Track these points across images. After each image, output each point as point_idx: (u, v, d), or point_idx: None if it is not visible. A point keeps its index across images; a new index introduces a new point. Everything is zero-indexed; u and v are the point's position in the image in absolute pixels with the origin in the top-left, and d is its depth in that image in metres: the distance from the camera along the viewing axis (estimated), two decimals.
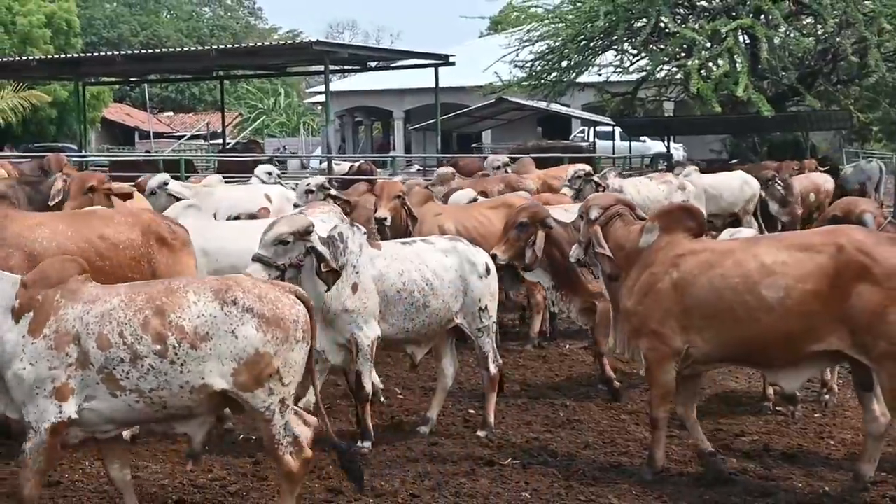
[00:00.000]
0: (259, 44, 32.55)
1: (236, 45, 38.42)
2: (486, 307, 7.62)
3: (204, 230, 8.45)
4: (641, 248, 6.54)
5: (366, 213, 10.93)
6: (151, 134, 53.62)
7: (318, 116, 56.69)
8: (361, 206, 11.55)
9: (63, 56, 33.52)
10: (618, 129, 33.66)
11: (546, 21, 27.15)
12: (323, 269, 6.77)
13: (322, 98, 41.98)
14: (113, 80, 41.10)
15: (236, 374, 5.09)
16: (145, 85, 53.95)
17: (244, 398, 5.14)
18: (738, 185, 16.07)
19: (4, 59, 33.65)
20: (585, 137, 37.09)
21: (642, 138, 35.64)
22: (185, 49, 35.50)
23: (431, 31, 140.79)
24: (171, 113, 65.63)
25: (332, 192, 11.11)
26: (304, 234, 6.79)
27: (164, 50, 34.10)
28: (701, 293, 6.16)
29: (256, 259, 6.73)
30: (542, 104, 31.76)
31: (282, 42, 35.21)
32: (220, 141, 38.82)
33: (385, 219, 10.00)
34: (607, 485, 6.35)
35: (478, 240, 9.04)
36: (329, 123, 28.12)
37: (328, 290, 6.86)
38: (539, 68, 27.23)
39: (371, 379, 7.40)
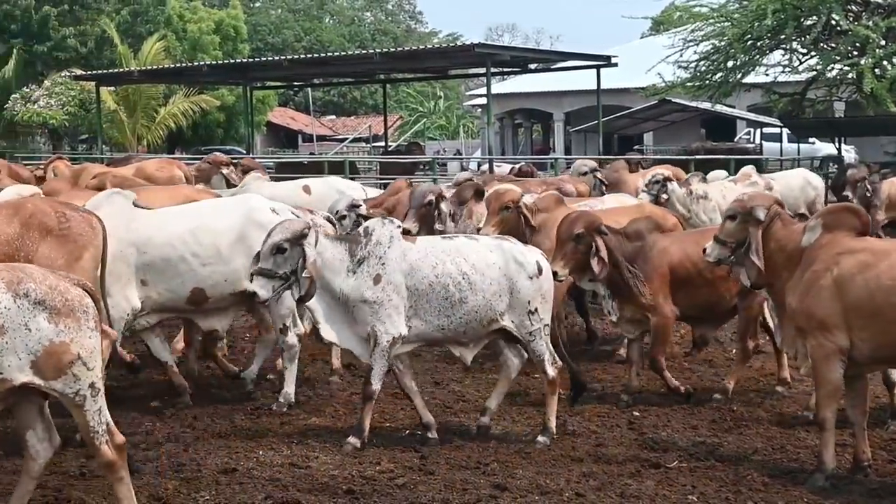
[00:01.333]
0: (421, 47, 32.88)
1: (399, 49, 38.90)
2: (535, 309, 7.29)
3: (129, 220, 7.83)
4: (803, 246, 6.41)
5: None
6: (314, 137, 54.75)
7: (478, 119, 56.96)
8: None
9: (232, 61, 34.55)
10: (785, 131, 32.79)
11: (711, 20, 26.62)
12: (303, 274, 6.82)
13: (481, 101, 42.24)
14: (278, 84, 42.17)
15: (35, 366, 4.94)
16: (309, 89, 55.19)
17: (50, 387, 5.01)
18: (799, 184, 15.37)
19: (177, 65, 34.89)
20: (751, 139, 36.30)
21: (811, 140, 34.64)
22: (349, 53, 36.10)
23: (591, 32, 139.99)
24: (333, 116, 66.92)
25: (363, 211, 10.64)
26: (300, 237, 6.86)
27: (328, 54, 34.80)
28: (857, 293, 6.05)
29: (258, 273, 6.87)
30: (707, 105, 31.20)
31: (443, 45, 35.52)
32: (382, 144, 39.42)
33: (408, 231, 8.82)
34: (777, 491, 6.18)
35: None
36: (490, 125, 28.23)
37: (303, 296, 6.86)
38: (704, 69, 26.72)
39: (381, 381, 7.10)
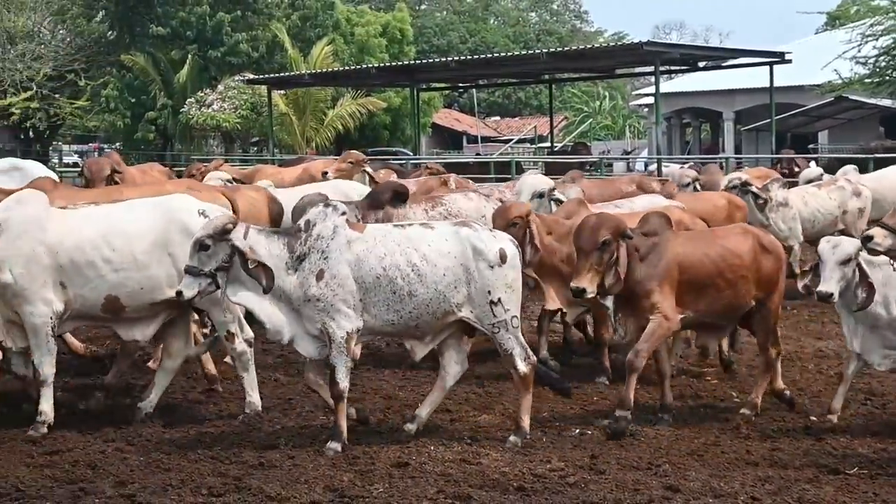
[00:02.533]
0: (587, 46, 32.67)
1: (565, 49, 38.73)
2: (499, 300, 6.88)
3: (43, 220, 7.35)
4: None
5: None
6: (479, 138, 54.99)
7: (644, 119, 56.24)
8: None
9: (399, 63, 34.98)
10: None
11: (891, 14, 25.70)
12: (250, 266, 6.62)
13: (648, 100, 41.68)
14: (444, 85, 42.51)
15: None
16: (474, 90, 55.44)
17: None
18: None
19: (345, 68, 35.53)
20: None
21: None
22: (515, 53, 36.12)
23: (762, 28, 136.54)
24: (497, 118, 67.06)
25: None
26: (223, 233, 6.68)
27: (493, 55, 34.90)
28: None
29: (187, 271, 6.74)
30: (887, 102, 30.09)
31: (610, 44, 35.21)
32: (547, 144, 39.30)
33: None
34: None
35: None
36: (657, 125, 27.84)
37: (266, 287, 6.64)
38: (884, 64, 25.82)
39: (347, 379, 6.81)
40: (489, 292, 6.90)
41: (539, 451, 6.81)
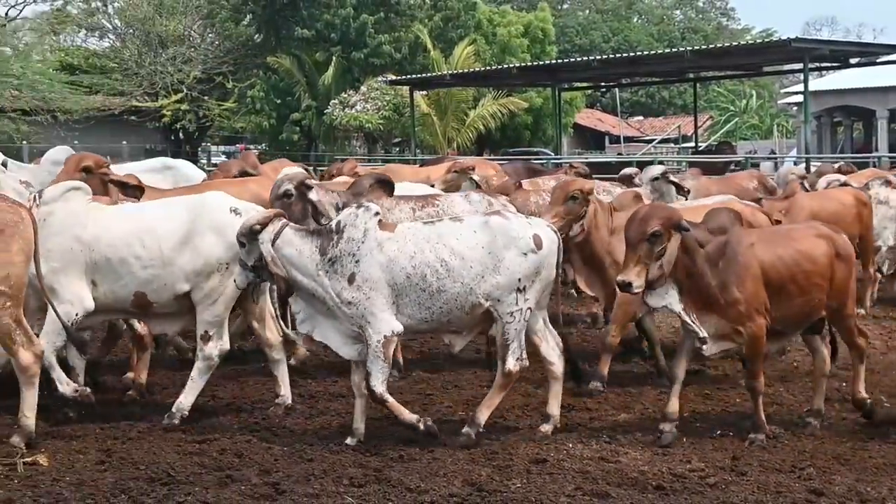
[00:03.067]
0: (733, 44, 32.02)
1: (710, 46, 38.06)
2: (524, 288, 6.85)
3: (81, 216, 7.43)
4: None
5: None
6: (621, 138, 54.50)
7: (793, 118, 54.86)
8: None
9: (541, 63, 34.92)
10: None
11: None
12: (272, 269, 6.76)
13: (797, 98, 40.65)
14: (586, 85, 42.26)
15: None
16: (616, 90, 54.94)
17: None
18: None
19: (486, 68, 35.63)
20: None
21: None
22: (659, 51, 35.65)
23: None
24: (640, 117, 66.34)
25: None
26: (252, 233, 6.80)
27: (637, 53, 34.55)
28: None
29: (240, 264, 7.04)
30: None
31: (757, 41, 34.42)
32: (691, 144, 38.72)
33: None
34: None
35: None
36: (806, 124, 27.16)
37: (282, 293, 6.87)
38: None
39: (384, 383, 6.78)
40: (519, 280, 6.89)
41: (679, 451, 6.74)
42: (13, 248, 6.68)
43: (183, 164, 12.69)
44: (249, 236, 6.81)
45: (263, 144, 42.89)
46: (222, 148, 47.33)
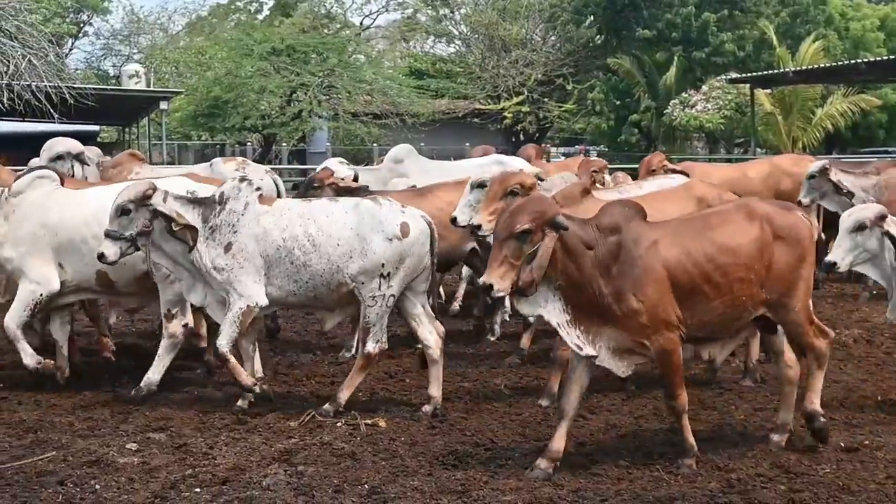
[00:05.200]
0: None
1: None
2: (388, 274, 7.07)
3: (46, 200, 8.01)
4: None
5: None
6: None
7: None
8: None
9: (892, 57, 33.21)
10: None
11: None
12: (175, 228, 6.96)
13: None
14: None
15: None
16: None
17: None
18: None
19: (835, 64, 34.27)
20: None
21: None
22: None
23: None
24: None
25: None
26: (144, 199, 6.97)
27: None
28: None
29: (107, 234, 7.03)
30: None
31: None
32: None
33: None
34: None
35: None
36: None
37: (191, 247, 7.01)
38: None
39: (230, 345, 7.12)
40: (382, 265, 7.13)
41: None
42: None
43: (514, 161, 13.20)
44: (139, 203, 7.05)
45: (602, 146, 43.27)
46: (562, 149, 48.14)
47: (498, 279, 5.64)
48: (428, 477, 5.94)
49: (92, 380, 8.54)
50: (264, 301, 7.23)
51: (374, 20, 45.74)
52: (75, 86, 24.71)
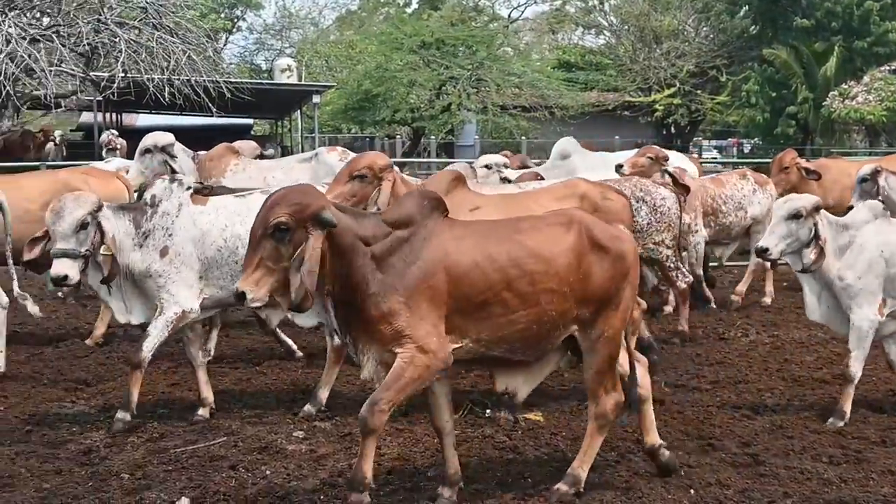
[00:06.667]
0: None
1: None
2: None
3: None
4: None
5: None
6: None
7: None
8: None
9: None
10: None
11: None
12: (101, 251, 6.54)
13: None
14: None
15: None
16: None
17: None
18: None
19: None
20: None
21: None
22: None
23: None
24: None
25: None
26: (97, 210, 6.56)
27: None
28: None
29: (61, 255, 6.39)
30: None
31: None
32: None
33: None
34: None
35: None
36: None
37: (106, 278, 6.54)
38: None
39: (154, 348, 6.79)
40: None
41: None
42: None
43: (674, 156, 13.00)
44: (94, 214, 6.58)
45: (756, 139, 42.31)
46: (714, 142, 47.31)
47: (252, 286, 4.75)
48: (591, 472, 5.90)
49: (257, 368, 8.75)
50: (197, 308, 6.89)
51: (522, 12, 45.72)
52: (232, 80, 25.42)
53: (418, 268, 4.98)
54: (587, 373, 5.49)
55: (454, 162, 21.46)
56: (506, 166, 10.51)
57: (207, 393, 7.22)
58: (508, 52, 36.20)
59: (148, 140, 10.46)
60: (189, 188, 7.03)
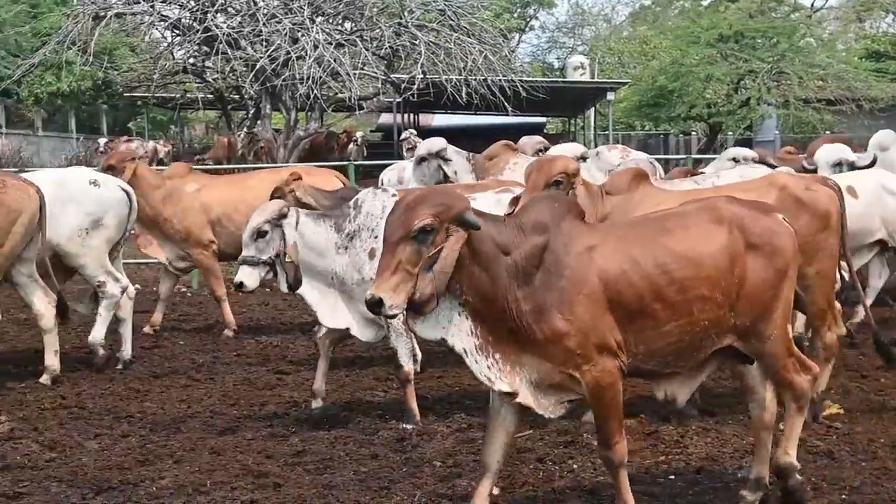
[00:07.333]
0: None
1: None
2: None
3: None
4: None
5: None
6: None
7: None
8: None
9: None
10: None
11: None
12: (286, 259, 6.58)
13: None
14: None
15: None
16: None
17: None
18: None
19: None
20: None
21: None
22: None
23: None
24: None
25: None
26: (280, 218, 6.56)
27: None
28: None
29: (242, 262, 6.55)
30: None
31: None
32: None
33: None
34: None
35: None
36: None
37: (290, 284, 6.58)
38: None
39: (411, 356, 6.85)
40: None
41: None
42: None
43: None
44: (275, 222, 6.60)
45: None
46: None
47: (390, 292, 4.35)
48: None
49: None
50: None
51: (826, 1, 43.87)
52: (526, 79, 25.73)
53: (569, 280, 4.61)
54: (767, 376, 5.12)
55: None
56: (754, 160, 10.00)
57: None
58: (811, 42, 34.78)
59: (422, 149, 10.79)
60: (394, 195, 6.83)
